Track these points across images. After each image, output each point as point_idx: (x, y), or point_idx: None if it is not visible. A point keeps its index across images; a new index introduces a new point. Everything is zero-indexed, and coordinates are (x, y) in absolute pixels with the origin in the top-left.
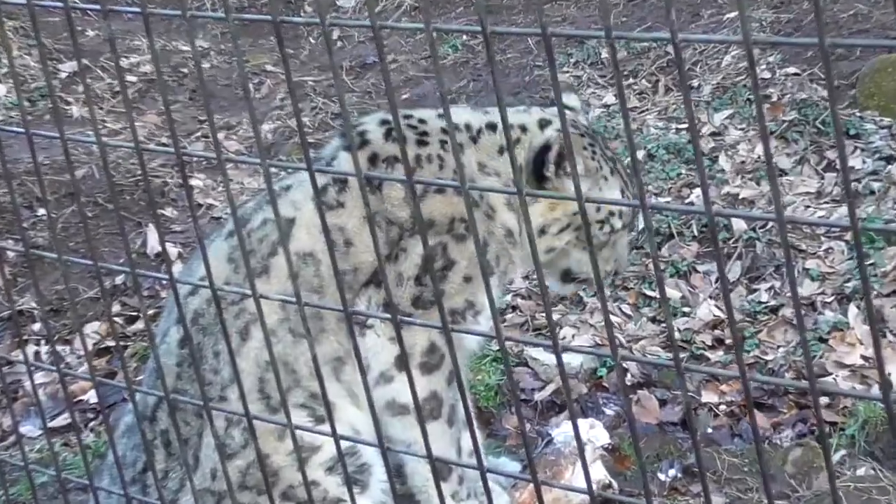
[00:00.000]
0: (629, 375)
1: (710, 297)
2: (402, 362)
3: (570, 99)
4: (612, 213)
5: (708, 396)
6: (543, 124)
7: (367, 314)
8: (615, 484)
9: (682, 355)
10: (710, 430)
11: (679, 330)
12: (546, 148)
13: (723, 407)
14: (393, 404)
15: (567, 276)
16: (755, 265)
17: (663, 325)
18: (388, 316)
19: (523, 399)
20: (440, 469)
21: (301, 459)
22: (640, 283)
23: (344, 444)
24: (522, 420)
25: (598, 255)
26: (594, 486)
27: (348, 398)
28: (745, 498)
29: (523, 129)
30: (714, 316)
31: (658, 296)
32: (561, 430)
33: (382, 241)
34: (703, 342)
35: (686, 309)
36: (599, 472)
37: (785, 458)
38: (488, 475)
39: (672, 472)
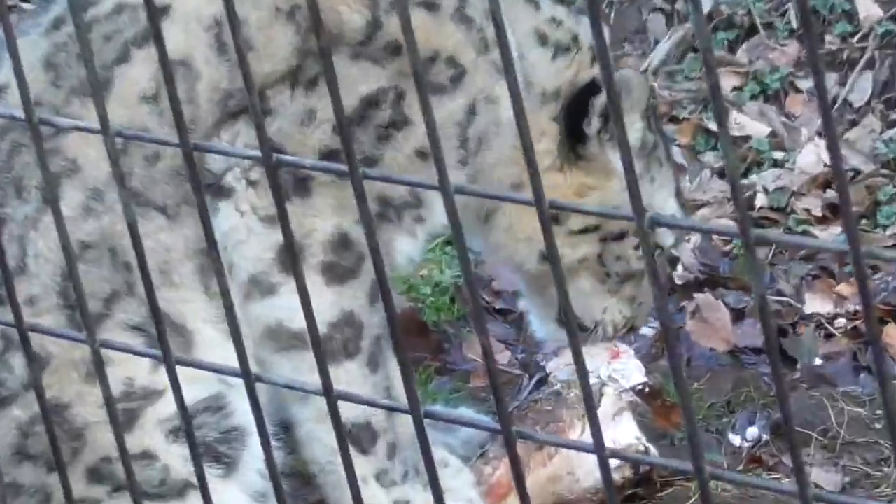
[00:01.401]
0: (680, 269)
1: (819, 135)
2: (290, 258)
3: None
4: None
5: (816, 304)
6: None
7: (205, 147)
8: (653, 450)
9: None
10: (818, 362)
11: (766, 190)
12: (592, 88)
13: (841, 322)
14: (279, 332)
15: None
16: None
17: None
18: (255, 154)
19: (497, 308)
20: (358, 436)
21: (116, 413)
22: (700, 108)
23: (201, 390)
24: (488, 342)
25: (615, 294)
26: (618, 450)
27: (221, 325)
28: (877, 475)
29: (575, 39)
30: (826, 166)
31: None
32: (562, 362)
33: (293, 47)
34: (807, 210)
35: (779, 154)
36: (629, 432)
37: None
38: (439, 442)
39: (753, 431)
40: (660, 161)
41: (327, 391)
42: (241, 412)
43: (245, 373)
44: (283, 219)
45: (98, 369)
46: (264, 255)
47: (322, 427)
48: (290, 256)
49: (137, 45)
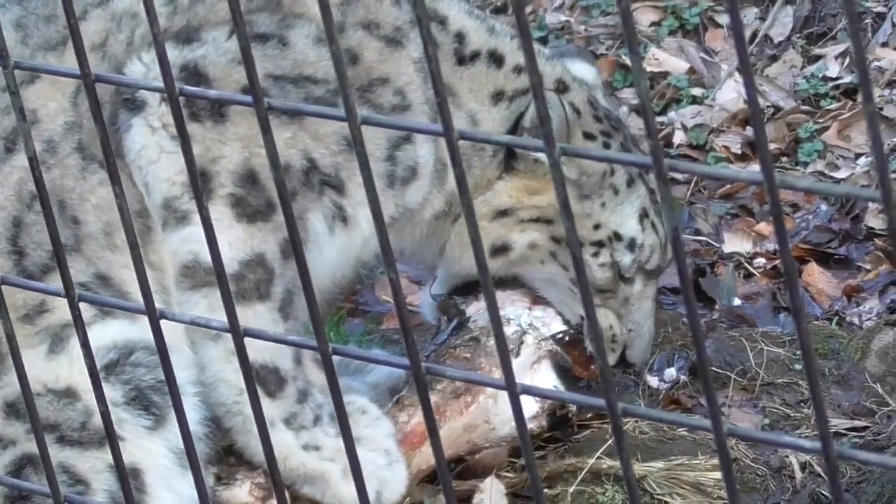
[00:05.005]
0: None
1: (739, 71)
2: (203, 184)
3: (582, 69)
4: (616, 237)
5: (735, 243)
6: (561, 88)
7: (107, 79)
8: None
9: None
10: (737, 302)
11: (684, 127)
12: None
13: (760, 261)
14: (195, 268)
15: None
16: (818, 14)
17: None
18: (158, 85)
19: None
20: (265, 379)
21: (11, 333)
22: (617, 44)
23: (140, 330)
24: (397, 276)
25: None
26: (529, 385)
27: (161, 294)
28: (797, 416)
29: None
30: (746, 103)
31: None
32: (482, 305)
33: (244, 9)
34: (726, 147)
35: (698, 91)
36: (547, 380)
37: (866, 347)
38: (354, 388)
39: (671, 372)
40: (615, 189)
41: (234, 329)
42: (180, 365)
43: (149, 310)
44: (186, 151)
45: None
46: (176, 178)
47: (229, 367)
48: (196, 188)
49: (95, 4)
